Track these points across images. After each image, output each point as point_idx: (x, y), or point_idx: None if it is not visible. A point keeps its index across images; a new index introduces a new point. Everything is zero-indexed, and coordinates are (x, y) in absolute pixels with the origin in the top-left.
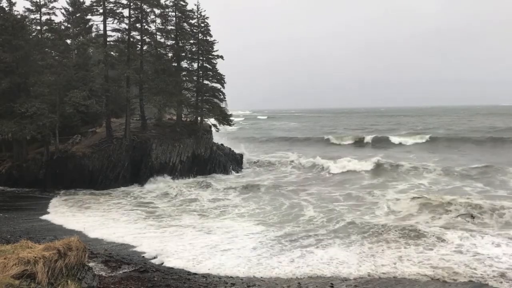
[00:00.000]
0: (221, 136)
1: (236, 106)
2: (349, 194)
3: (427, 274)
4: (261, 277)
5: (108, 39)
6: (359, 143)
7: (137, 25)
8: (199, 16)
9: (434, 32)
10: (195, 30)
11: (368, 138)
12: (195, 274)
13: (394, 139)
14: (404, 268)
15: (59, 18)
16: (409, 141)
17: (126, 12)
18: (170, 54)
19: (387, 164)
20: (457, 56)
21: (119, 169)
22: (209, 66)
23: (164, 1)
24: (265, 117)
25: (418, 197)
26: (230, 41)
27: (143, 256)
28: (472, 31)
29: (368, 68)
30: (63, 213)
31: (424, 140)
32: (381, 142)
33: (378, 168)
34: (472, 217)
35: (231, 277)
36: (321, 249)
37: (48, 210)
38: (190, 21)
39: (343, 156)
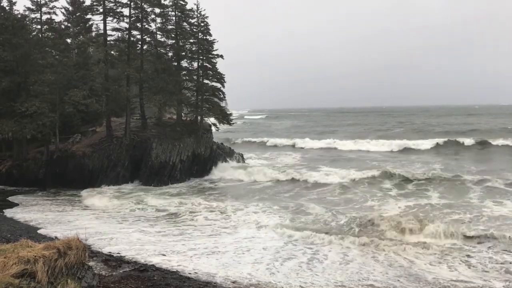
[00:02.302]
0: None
1: (234, 106)
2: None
3: None
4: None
5: (108, 38)
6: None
7: (137, 24)
8: (199, 15)
9: (435, 28)
10: (195, 30)
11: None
12: (196, 273)
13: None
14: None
15: (59, 17)
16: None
17: (126, 11)
18: (170, 54)
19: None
20: (455, 55)
21: (119, 168)
22: (209, 66)
23: (164, 1)
24: (264, 116)
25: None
26: (228, 39)
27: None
28: (471, 29)
29: (369, 65)
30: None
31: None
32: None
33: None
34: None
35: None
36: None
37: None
38: (190, 20)
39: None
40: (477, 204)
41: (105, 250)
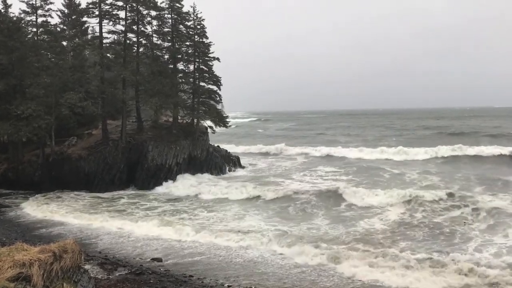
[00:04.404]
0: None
1: (231, 108)
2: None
3: None
4: None
5: (104, 41)
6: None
7: (133, 27)
8: (195, 18)
9: (434, 32)
10: (191, 32)
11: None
12: (191, 276)
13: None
14: None
15: (55, 20)
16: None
17: (122, 14)
18: (166, 56)
19: None
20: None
21: (115, 171)
22: (205, 68)
23: (160, 3)
24: (255, 119)
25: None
26: (225, 41)
27: None
28: (468, 33)
29: (368, 68)
30: None
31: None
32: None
33: None
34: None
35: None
36: None
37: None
38: (186, 23)
39: None
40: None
41: None
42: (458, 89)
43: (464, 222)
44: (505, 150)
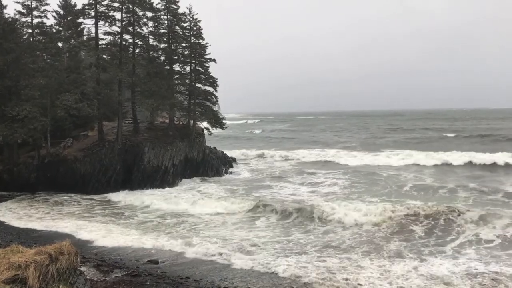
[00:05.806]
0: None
1: (229, 110)
2: None
3: None
4: None
5: (100, 42)
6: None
7: (129, 28)
8: (191, 19)
9: (433, 34)
10: (187, 33)
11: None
12: (188, 278)
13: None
14: None
15: (50, 21)
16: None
17: (118, 15)
18: (162, 57)
19: None
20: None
21: (111, 173)
22: (201, 69)
23: (156, 5)
24: (252, 120)
25: None
26: (222, 42)
27: None
28: (464, 35)
29: (368, 69)
30: None
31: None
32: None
33: None
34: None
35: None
36: None
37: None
38: (182, 24)
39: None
40: None
41: None
42: (457, 90)
43: (458, 212)
44: (497, 155)
